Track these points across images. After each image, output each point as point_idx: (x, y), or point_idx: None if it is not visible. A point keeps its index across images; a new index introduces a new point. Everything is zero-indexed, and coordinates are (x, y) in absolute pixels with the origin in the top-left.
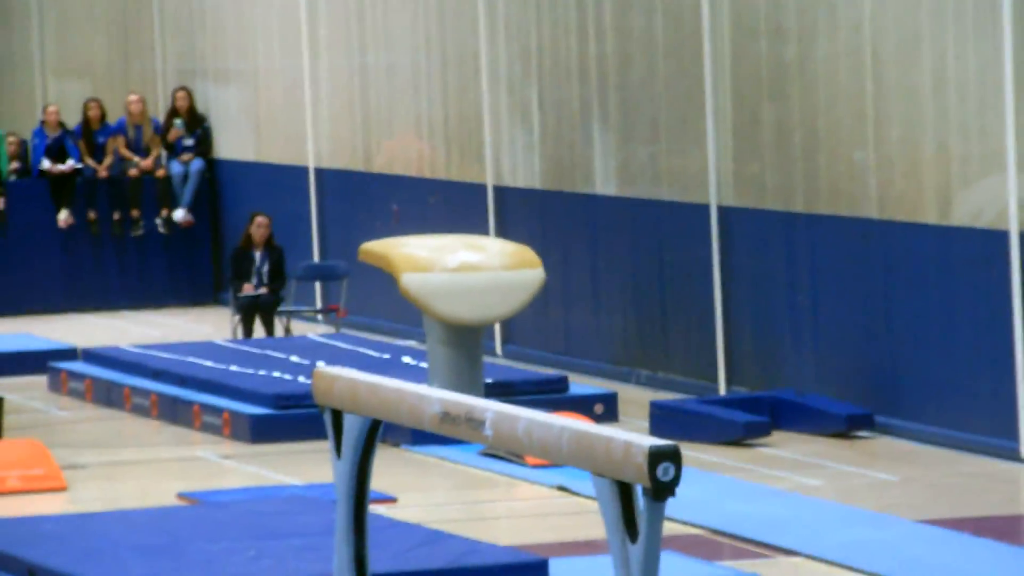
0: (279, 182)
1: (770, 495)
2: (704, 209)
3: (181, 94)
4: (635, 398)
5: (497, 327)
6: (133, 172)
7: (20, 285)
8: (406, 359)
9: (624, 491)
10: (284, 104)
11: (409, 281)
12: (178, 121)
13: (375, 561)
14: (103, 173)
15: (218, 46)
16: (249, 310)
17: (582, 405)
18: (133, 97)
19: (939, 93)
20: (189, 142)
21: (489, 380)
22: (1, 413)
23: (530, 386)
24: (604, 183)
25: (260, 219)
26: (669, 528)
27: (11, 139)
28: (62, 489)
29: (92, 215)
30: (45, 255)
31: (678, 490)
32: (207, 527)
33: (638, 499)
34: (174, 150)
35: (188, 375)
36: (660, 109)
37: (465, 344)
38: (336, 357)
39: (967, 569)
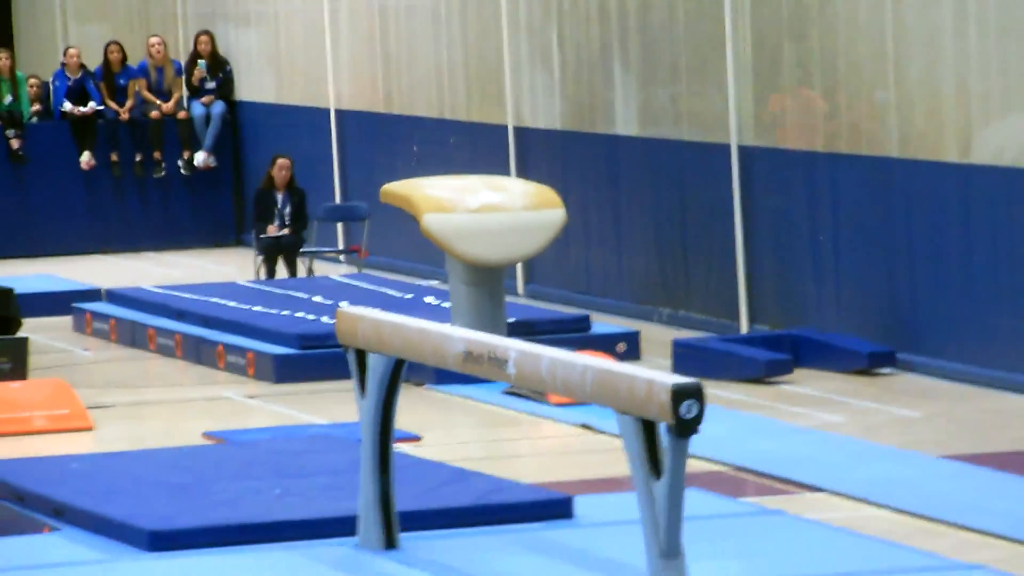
0: (300, 124)
1: (792, 432)
2: (725, 149)
3: (204, 38)
4: (657, 336)
5: (519, 267)
6: (154, 114)
7: (43, 227)
8: (428, 299)
9: (648, 428)
10: (304, 46)
11: (431, 221)
12: (201, 63)
13: (400, 499)
14: (124, 115)
15: None
16: (272, 251)
17: (604, 344)
18: (155, 40)
19: (959, 32)
20: (211, 85)
21: (511, 319)
22: (26, 353)
23: (552, 325)
24: (625, 124)
25: (282, 161)
26: (692, 465)
27: (32, 81)
28: (88, 429)
29: (114, 157)
30: (67, 197)
31: (701, 427)
32: (232, 466)
33: (662, 436)
34: (196, 92)
35: (212, 315)
36: (680, 50)
37: (487, 284)
38: (359, 297)
39: (990, 504)
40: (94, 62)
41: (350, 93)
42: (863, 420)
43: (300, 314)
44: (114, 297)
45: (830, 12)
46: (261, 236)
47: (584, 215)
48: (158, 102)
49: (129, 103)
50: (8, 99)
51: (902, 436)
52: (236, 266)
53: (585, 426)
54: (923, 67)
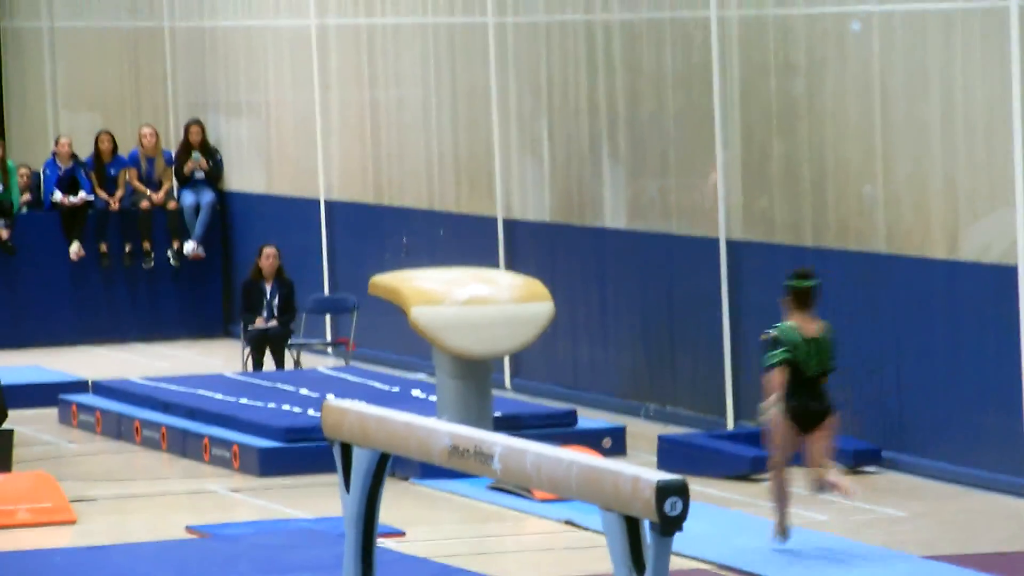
0: (290, 215)
1: None
2: (713, 243)
3: (195, 128)
4: (643, 432)
5: (506, 360)
6: (144, 205)
7: (31, 317)
8: (415, 392)
9: (632, 525)
10: (295, 137)
11: (419, 314)
12: (196, 154)
13: None
14: (114, 205)
15: (229, 79)
16: (259, 343)
17: (590, 439)
18: (147, 130)
19: (947, 128)
20: (200, 175)
21: (498, 413)
22: (11, 446)
23: (539, 419)
24: (614, 217)
25: (268, 250)
26: (676, 563)
27: (22, 171)
28: (71, 522)
29: (103, 248)
30: (56, 287)
31: (685, 524)
32: (216, 560)
33: (646, 533)
34: (186, 182)
35: (198, 408)
36: (669, 143)
37: (474, 377)
38: (345, 390)
39: None
40: (85, 151)
41: (340, 184)
42: (848, 519)
43: (286, 407)
44: (100, 389)
45: (819, 107)
46: (249, 328)
47: (572, 308)
48: (148, 192)
49: (119, 193)
50: None
51: (887, 535)
52: (223, 357)
53: (569, 522)
54: (911, 163)
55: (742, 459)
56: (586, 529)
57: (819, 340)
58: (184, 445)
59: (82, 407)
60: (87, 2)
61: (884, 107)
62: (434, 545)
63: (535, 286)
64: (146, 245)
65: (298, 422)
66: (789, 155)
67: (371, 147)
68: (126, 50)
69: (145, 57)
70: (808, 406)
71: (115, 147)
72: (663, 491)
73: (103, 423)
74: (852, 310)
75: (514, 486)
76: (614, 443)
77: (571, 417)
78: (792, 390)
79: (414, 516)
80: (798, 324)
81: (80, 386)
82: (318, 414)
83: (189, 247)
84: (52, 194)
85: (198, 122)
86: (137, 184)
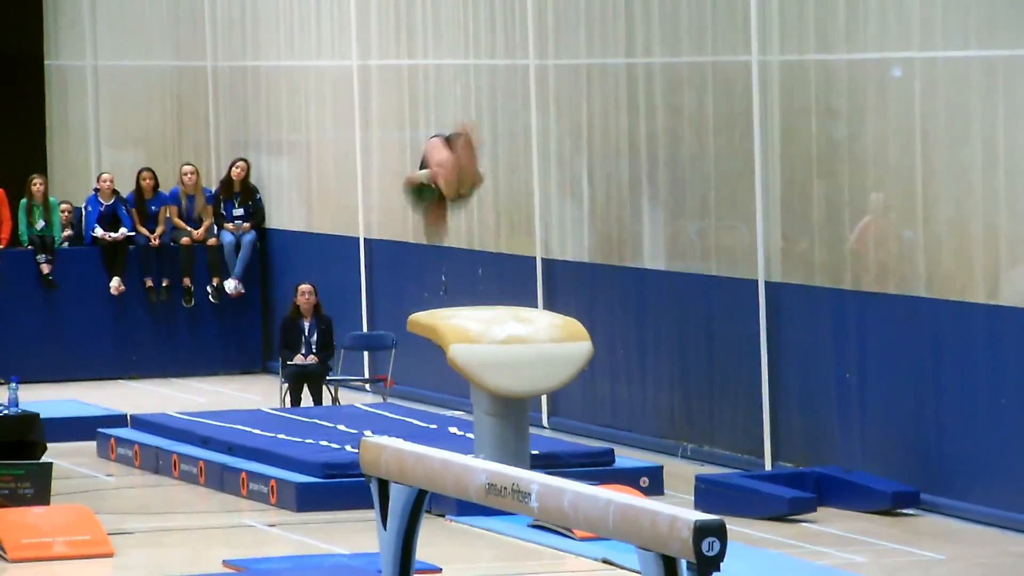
0: (329, 252)
1: (815, 571)
2: (752, 285)
3: (240, 164)
4: (681, 472)
5: (544, 399)
6: (185, 241)
7: (70, 351)
8: (453, 430)
9: (669, 565)
10: (335, 175)
11: (457, 352)
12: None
13: None
14: (155, 242)
15: (271, 118)
16: (297, 379)
17: (628, 478)
18: (188, 168)
19: (988, 173)
20: (239, 211)
21: (535, 452)
22: (50, 478)
23: (576, 458)
24: (653, 258)
25: (304, 287)
26: None
27: (64, 207)
28: (109, 555)
29: (148, 283)
30: (96, 322)
31: (723, 565)
32: None
33: (683, 573)
34: (224, 218)
35: (236, 443)
36: (710, 185)
37: (512, 416)
38: (383, 427)
39: None
40: (126, 188)
41: (380, 222)
42: (886, 561)
43: (324, 443)
44: (139, 423)
45: (859, 150)
46: (287, 364)
47: (610, 348)
48: (188, 228)
49: (160, 229)
50: (40, 224)
51: None
52: (262, 393)
53: (607, 561)
54: (952, 207)
55: (780, 500)
56: (623, 568)
57: None
58: (222, 479)
59: (120, 441)
60: (131, 42)
61: (925, 152)
62: None
63: (573, 326)
64: (186, 281)
65: (336, 458)
66: (829, 198)
67: None
68: (169, 89)
69: (188, 96)
70: None
71: (156, 184)
72: (700, 531)
73: (141, 457)
74: (892, 353)
75: (555, 524)
76: (651, 482)
77: (609, 456)
78: None
79: (451, 553)
80: None
81: (119, 420)
82: (356, 450)
83: (231, 285)
84: (93, 229)
85: (244, 160)
86: (177, 221)
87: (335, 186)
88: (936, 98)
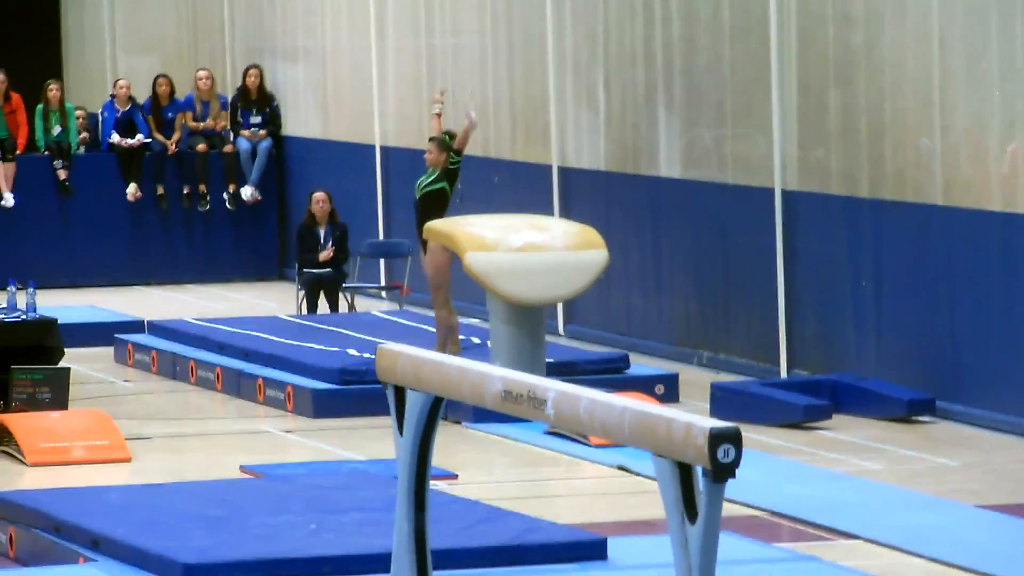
0: (345, 160)
1: (829, 478)
2: (768, 193)
3: (253, 71)
4: (696, 379)
5: (560, 307)
6: (201, 148)
7: (88, 258)
8: (469, 337)
9: (684, 472)
10: (351, 83)
11: (473, 260)
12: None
13: (435, 537)
14: (171, 148)
15: (287, 24)
16: (313, 286)
17: (643, 385)
18: (202, 73)
19: (1006, 81)
20: (256, 119)
21: (551, 359)
22: (67, 384)
23: (591, 366)
24: (668, 166)
25: (318, 195)
26: (728, 509)
27: (80, 113)
28: (126, 460)
29: (160, 190)
30: (113, 228)
31: (738, 472)
32: (269, 500)
33: (698, 480)
34: (238, 128)
35: (252, 349)
36: (725, 94)
37: (528, 323)
38: (399, 334)
39: None
40: (142, 94)
41: (396, 130)
42: (901, 467)
43: (340, 349)
44: (156, 329)
45: (877, 58)
46: (303, 270)
47: (626, 256)
48: (202, 125)
49: (176, 136)
50: (57, 130)
51: (940, 485)
52: (278, 300)
53: (622, 468)
54: (969, 115)
55: (795, 407)
56: (639, 475)
57: None
58: (238, 386)
59: (138, 347)
60: None
61: (943, 59)
62: (486, 488)
63: (589, 234)
64: (202, 188)
65: (352, 364)
66: (846, 106)
67: (427, 94)
68: None
69: (203, 2)
70: None
71: (172, 91)
72: (716, 438)
73: (158, 363)
74: (907, 261)
75: (570, 431)
76: (667, 390)
77: (624, 363)
78: None
79: (467, 459)
80: None
81: (136, 326)
82: (372, 357)
83: (247, 192)
84: (110, 136)
85: (256, 66)
86: (193, 125)
87: (351, 93)
88: (954, 4)
